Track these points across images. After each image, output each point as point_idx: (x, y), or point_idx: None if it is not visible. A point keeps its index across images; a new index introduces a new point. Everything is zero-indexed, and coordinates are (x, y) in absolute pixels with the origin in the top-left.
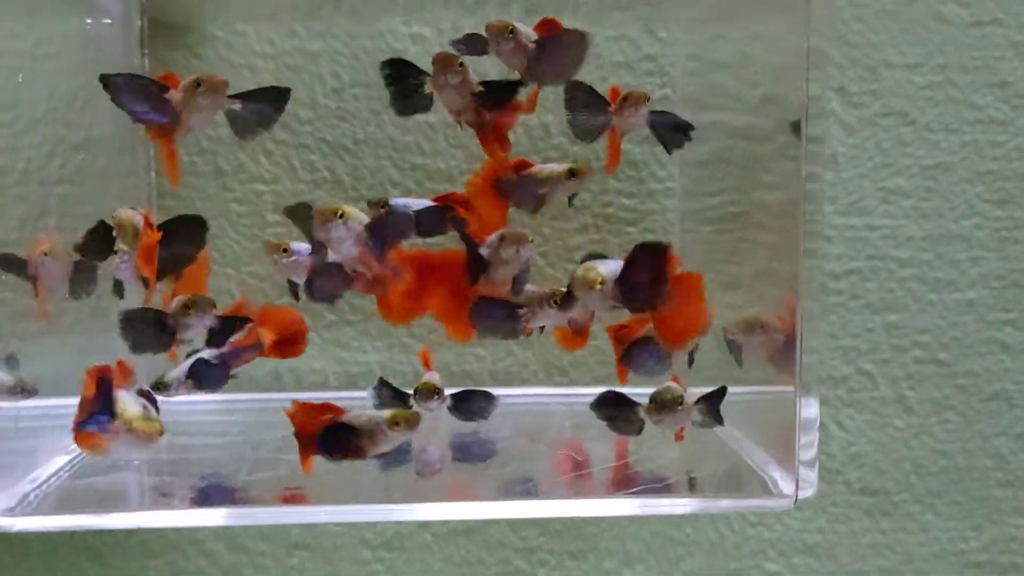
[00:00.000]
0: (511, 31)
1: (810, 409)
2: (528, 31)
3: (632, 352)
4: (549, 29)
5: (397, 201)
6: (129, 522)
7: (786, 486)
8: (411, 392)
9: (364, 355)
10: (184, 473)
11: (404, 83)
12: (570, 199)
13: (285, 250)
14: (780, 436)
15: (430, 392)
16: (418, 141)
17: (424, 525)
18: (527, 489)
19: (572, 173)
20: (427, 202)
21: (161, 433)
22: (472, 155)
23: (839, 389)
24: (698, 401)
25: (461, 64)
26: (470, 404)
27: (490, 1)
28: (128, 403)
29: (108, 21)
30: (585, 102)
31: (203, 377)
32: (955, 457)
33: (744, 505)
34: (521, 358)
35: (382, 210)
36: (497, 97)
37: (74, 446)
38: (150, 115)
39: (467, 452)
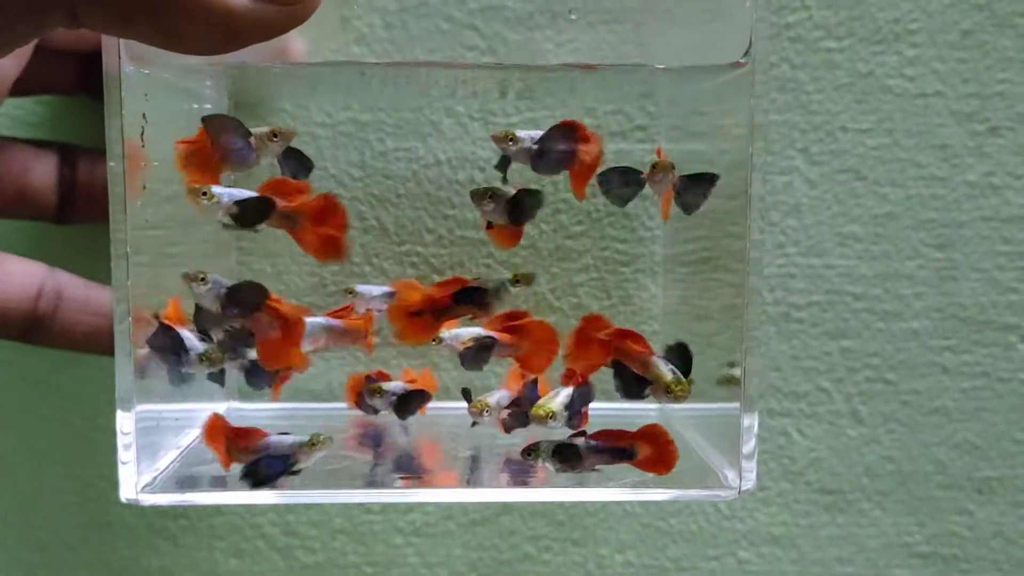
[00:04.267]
0: (511, 138)
1: (749, 420)
2: (531, 133)
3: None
4: (566, 130)
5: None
6: (225, 500)
7: (735, 480)
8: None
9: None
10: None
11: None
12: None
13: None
14: (731, 441)
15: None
16: (449, 196)
17: (448, 516)
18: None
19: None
20: (386, 288)
21: None
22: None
23: (800, 403)
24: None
25: (491, 195)
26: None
27: (507, 91)
28: None
29: (208, 106)
30: (620, 175)
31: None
32: (901, 462)
33: (704, 495)
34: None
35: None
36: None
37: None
38: (240, 152)
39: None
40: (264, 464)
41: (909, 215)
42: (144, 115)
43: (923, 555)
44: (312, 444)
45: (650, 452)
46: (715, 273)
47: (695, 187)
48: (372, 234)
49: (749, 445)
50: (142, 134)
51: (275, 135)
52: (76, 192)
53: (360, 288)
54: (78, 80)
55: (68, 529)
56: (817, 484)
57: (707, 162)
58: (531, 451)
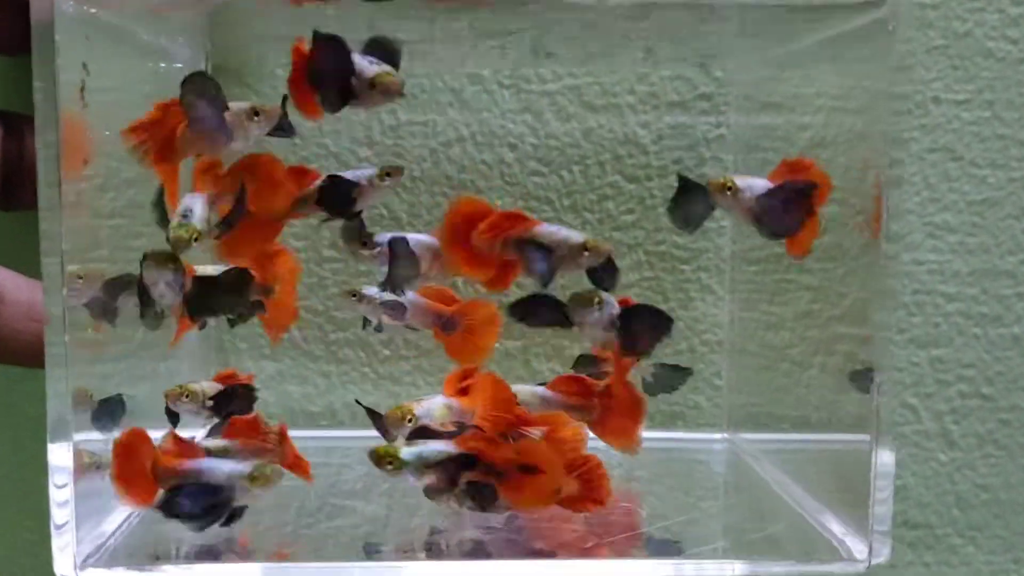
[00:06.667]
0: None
1: (886, 460)
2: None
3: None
4: None
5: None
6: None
7: (856, 547)
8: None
9: (417, 390)
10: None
11: None
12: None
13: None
14: (847, 490)
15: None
16: (473, 179)
17: None
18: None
19: (585, 248)
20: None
21: None
22: (527, 193)
23: None
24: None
25: None
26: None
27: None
28: None
29: (179, 65)
30: (688, 194)
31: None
32: (997, 491)
33: (816, 570)
34: None
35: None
36: None
37: None
38: (211, 125)
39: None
40: (186, 495)
41: (1011, 201)
42: (85, 65)
43: None
44: (254, 478)
45: (576, 488)
46: (788, 273)
47: (784, 206)
48: (382, 224)
49: (885, 506)
50: (82, 90)
51: (256, 112)
52: (23, 170)
53: (368, 291)
54: (20, 37)
55: (25, 573)
56: (901, 517)
57: (781, 138)
58: (437, 491)
